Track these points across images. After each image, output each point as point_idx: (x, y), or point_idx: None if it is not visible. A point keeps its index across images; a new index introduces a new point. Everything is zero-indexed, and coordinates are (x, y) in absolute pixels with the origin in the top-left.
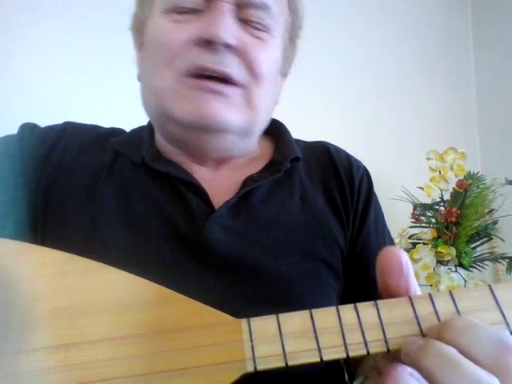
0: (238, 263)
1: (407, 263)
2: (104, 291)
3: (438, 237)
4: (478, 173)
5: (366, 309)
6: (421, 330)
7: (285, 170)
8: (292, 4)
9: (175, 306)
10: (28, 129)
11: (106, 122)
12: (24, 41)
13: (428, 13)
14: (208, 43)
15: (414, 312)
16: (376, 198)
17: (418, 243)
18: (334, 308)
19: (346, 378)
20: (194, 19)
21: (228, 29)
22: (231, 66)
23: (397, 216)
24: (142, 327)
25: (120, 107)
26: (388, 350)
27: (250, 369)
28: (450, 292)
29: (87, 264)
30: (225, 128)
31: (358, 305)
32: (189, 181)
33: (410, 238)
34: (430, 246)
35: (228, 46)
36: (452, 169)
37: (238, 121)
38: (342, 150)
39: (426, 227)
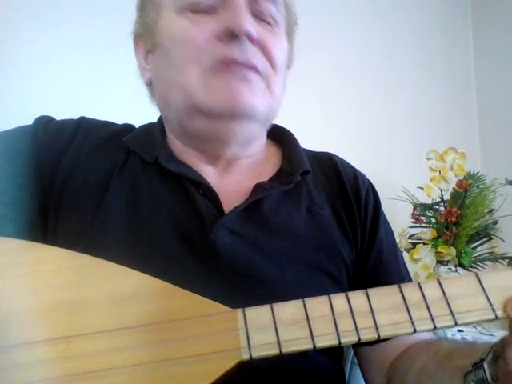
0: (243, 268)
1: None
2: (103, 285)
3: (438, 237)
4: (478, 173)
5: (357, 297)
6: (410, 317)
7: (295, 182)
8: (287, 1)
9: (173, 297)
10: (43, 123)
11: (108, 118)
12: (24, 41)
13: (428, 13)
14: (231, 35)
15: (404, 299)
16: (383, 211)
17: (418, 243)
18: (326, 297)
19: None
20: (210, 17)
21: (250, 21)
22: (255, 56)
23: (397, 216)
24: (140, 319)
25: (120, 107)
26: (379, 336)
27: (245, 356)
28: (438, 280)
29: (86, 260)
30: (254, 113)
31: (349, 293)
32: (199, 181)
33: (409, 238)
34: (429, 245)
35: (250, 37)
36: (452, 169)
37: (264, 106)
38: (347, 162)
39: (426, 227)
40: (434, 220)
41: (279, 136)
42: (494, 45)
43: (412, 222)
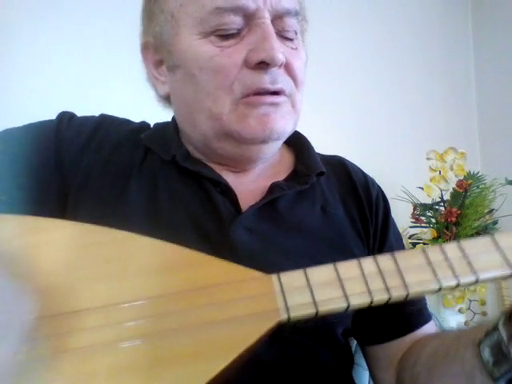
0: (261, 265)
1: None
2: (140, 257)
3: (438, 237)
4: (478, 173)
5: (385, 259)
6: (435, 275)
7: (311, 183)
8: (302, 8)
9: (206, 265)
10: (66, 118)
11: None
12: (25, 41)
13: (428, 13)
14: (262, 65)
15: (428, 259)
16: (391, 214)
17: (418, 243)
18: (355, 261)
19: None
20: (237, 42)
21: (280, 49)
22: (283, 82)
23: (397, 216)
24: (176, 286)
25: (121, 106)
26: (407, 295)
27: (284, 317)
28: (457, 242)
29: (121, 235)
30: (283, 136)
31: (377, 256)
32: (218, 180)
33: (410, 238)
34: (430, 246)
35: (280, 65)
36: (452, 169)
37: (290, 127)
38: (356, 166)
39: (426, 227)
40: (433, 220)
41: (293, 139)
42: (494, 45)
43: (412, 221)
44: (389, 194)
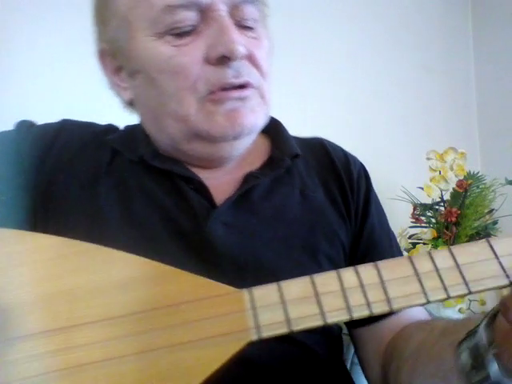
0: (240, 260)
1: None
2: (101, 272)
3: (438, 237)
4: (478, 173)
5: (367, 270)
6: (422, 288)
7: (286, 166)
8: None
9: (175, 281)
10: (25, 126)
11: (108, 121)
12: (24, 41)
13: (428, 13)
14: (224, 59)
15: (415, 269)
16: (375, 192)
17: (418, 243)
18: (334, 272)
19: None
20: (194, 38)
21: (240, 40)
22: (248, 74)
23: (397, 216)
24: (142, 304)
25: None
26: (391, 309)
27: (254, 337)
28: (449, 248)
29: (83, 246)
30: (255, 129)
31: (358, 267)
32: (190, 177)
33: (409, 238)
34: (430, 246)
35: (242, 57)
36: (452, 169)
37: (261, 120)
38: (337, 145)
39: (426, 227)
40: (433, 220)
41: (267, 125)
42: (493, 44)
43: (412, 222)
44: (389, 194)
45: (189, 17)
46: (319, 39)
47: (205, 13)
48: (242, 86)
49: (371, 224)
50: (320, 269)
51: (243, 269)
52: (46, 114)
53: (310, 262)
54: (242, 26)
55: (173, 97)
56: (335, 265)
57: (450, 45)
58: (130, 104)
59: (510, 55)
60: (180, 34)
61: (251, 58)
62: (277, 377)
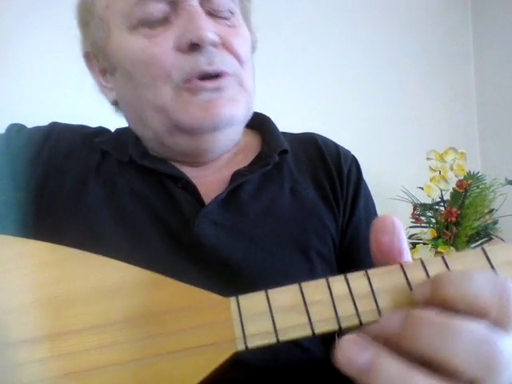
0: (229, 259)
1: (400, 226)
2: (88, 278)
3: (438, 237)
4: (478, 173)
5: (357, 279)
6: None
7: (274, 162)
8: None
9: (162, 288)
10: (15, 130)
11: (108, 123)
12: (24, 42)
13: (428, 13)
14: (195, 47)
15: (406, 278)
16: (366, 187)
17: (418, 243)
18: (323, 280)
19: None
20: (165, 28)
21: (209, 27)
22: (222, 62)
23: (397, 216)
24: (128, 312)
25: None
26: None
27: (240, 347)
28: (443, 256)
29: (69, 252)
30: (235, 120)
31: (349, 275)
32: (177, 176)
33: (410, 238)
34: (429, 245)
35: (214, 44)
36: (452, 169)
37: (243, 109)
38: (329, 140)
39: (426, 227)
40: (434, 220)
41: (258, 123)
42: (493, 45)
43: (412, 222)
44: (389, 194)
45: (159, 8)
46: (319, 40)
47: (176, 4)
48: (217, 76)
49: (357, 222)
50: (311, 266)
51: (232, 268)
52: (45, 114)
53: (301, 259)
54: (216, 16)
55: (149, 88)
56: (327, 262)
57: (450, 45)
58: (116, 104)
59: (510, 55)
60: (151, 25)
61: (227, 45)
62: (273, 378)
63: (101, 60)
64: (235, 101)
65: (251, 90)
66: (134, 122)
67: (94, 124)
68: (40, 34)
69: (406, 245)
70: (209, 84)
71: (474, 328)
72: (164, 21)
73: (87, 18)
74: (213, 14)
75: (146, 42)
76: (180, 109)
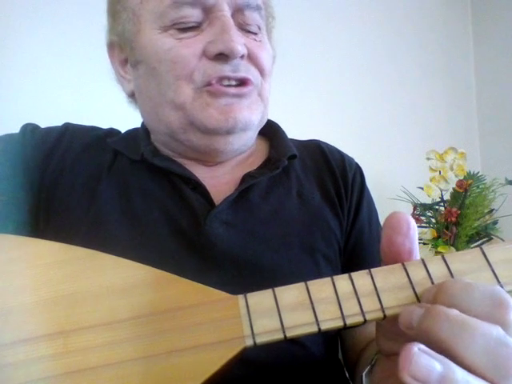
0: (239, 258)
1: (415, 228)
2: (100, 277)
3: (438, 237)
4: (478, 173)
5: (361, 277)
6: (416, 296)
7: (283, 166)
8: (265, 3)
9: (171, 286)
10: (30, 129)
11: (107, 124)
12: (24, 42)
13: (428, 13)
14: (222, 56)
15: (408, 277)
16: (369, 194)
17: (418, 243)
18: (328, 279)
19: (347, 375)
20: (196, 33)
21: (240, 40)
22: (247, 71)
23: None
24: (139, 310)
25: (120, 109)
26: (385, 316)
27: (249, 343)
28: (442, 256)
29: (82, 252)
30: (250, 126)
31: (353, 274)
32: (188, 177)
33: None
34: (429, 245)
35: (241, 56)
36: (452, 169)
37: (258, 117)
38: (334, 147)
39: (426, 227)
40: (434, 220)
41: (267, 128)
42: (494, 45)
43: None
44: (389, 194)
45: (193, 14)
46: (320, 40)
47: (209, 12)
48: (241, 84)
49: (360, 227)
50: (317, 267)
51: (242, 266)
52: (45, 116)
53: (307, 260)
54: (245, 30)
55: (171, 85)
56: (332, 264)
57: (450, 45)
58: (132, 95)
59: (510, 55)
60: (184, 28)
61: (252, 57)
62: (273, 376)
63: (126, 51)
64: (252, 109)
65: (267, 102)
66: (148, 115)
67: (93, 124)
68: (40, 33)
69: (416, 245)
70: (232, 90)
71: (492, 329)
72: (196, 26)
73: (118, 9)
74: (242, 26)
75: (175, 43)
76: (199, 108)
